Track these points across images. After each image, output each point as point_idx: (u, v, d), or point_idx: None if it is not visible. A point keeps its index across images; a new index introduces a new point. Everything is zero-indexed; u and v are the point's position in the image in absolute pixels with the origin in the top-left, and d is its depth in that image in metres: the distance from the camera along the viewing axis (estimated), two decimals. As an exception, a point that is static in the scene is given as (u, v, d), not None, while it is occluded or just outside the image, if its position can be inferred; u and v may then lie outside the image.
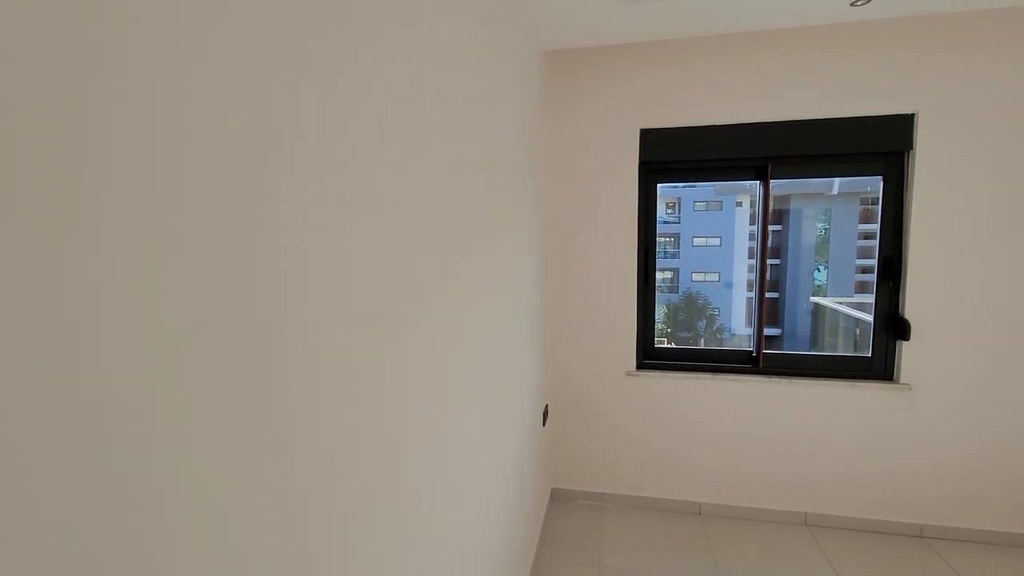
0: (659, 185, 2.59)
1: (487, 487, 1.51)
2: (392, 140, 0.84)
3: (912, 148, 2.25)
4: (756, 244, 2.50)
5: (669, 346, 3.07)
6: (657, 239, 2.57)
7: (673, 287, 23.69)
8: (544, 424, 2.55)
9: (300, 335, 0.59)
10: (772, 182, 2.43)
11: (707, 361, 2.64)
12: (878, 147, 2.28)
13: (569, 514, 2.67)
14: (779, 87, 2.33)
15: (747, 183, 2.49)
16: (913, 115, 2.24)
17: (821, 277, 19.97)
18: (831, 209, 19.83)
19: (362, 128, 0.74)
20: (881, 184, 2.36)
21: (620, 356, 2.64)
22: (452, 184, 1.13)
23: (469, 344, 1.30)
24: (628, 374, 2.63)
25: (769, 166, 2.40)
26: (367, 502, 0.76)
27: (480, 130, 1.36)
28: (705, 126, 2.42)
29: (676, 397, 2.61)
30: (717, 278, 22.48)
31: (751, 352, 2.57)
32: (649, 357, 2.67)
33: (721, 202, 21.90)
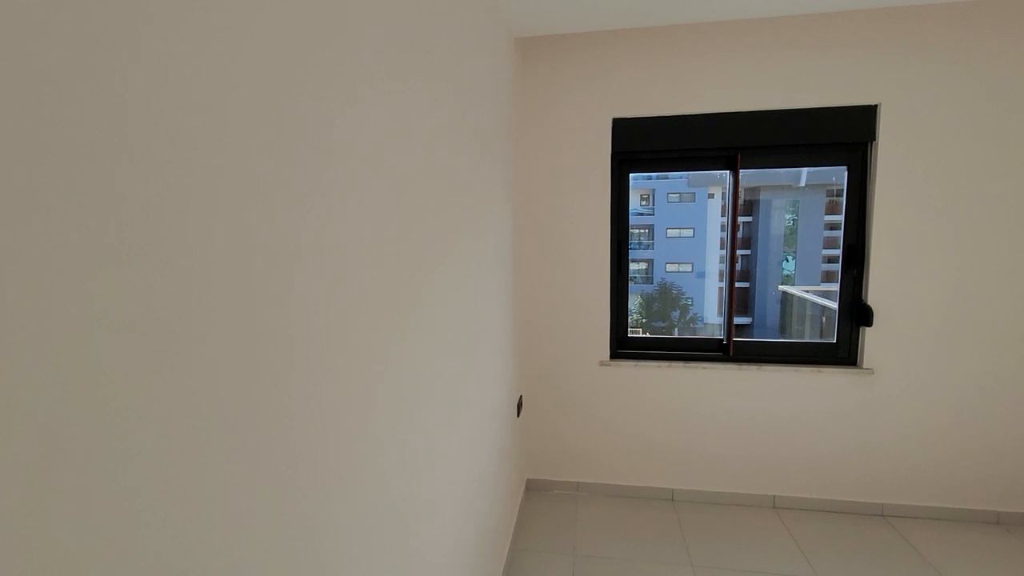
0: (632, 176, 2.59)
1: (457, 480, 1.49)
2: (366, 129, 0.81)
3: (875, 139, 2.31)
4: (726, 234, 2.54)
5: (642, 335, 3.10)
6: (631, 230, 2.58)
7: (647, 278, 24.04)
8: (518, 415, 2.55)
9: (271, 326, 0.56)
10: (741, 172, 2.45)
11: (679, 350, 2.67)
12: (843, 138, 2.33)
13: (545, 504, 2.68)
14: (748, 78, 2.35)
15: (717, 173, 2.52)
16: (876, 107, 2.29)
17: (790, 267, 20.54)
18: (799, 201, 20.37)
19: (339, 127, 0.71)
20: (846, 174, 2.41)
21: (594, 346, 2.65)
22: (420, 167, 1.09)
23: (439, 339, 1.28)
24: (602, 364, 2.65)
25: (739, 156, 2.43)
26: (323, 501, 0.74)
27: (451, 115, 1.33)
28: (676, 116, 2.43)
29: (649, 386, 2.64)
30: (691, 268, 22.89)
31: (722, 340, 2.61)
32: (623, 347, 2.69)
33: (694, 194, 22.26)
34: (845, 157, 2.39)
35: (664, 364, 2.60)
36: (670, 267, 23.80)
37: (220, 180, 0.52)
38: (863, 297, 2.42)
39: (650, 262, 23.83)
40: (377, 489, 0.92)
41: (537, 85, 2.53)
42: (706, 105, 2.39)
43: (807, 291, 4.35)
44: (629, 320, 2.71)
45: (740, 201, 2.49)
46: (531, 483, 2.80)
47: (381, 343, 0.92)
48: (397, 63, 0.98)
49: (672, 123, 2.44)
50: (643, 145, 2.49)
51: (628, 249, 2.64)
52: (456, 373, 1.45)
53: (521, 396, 2.63)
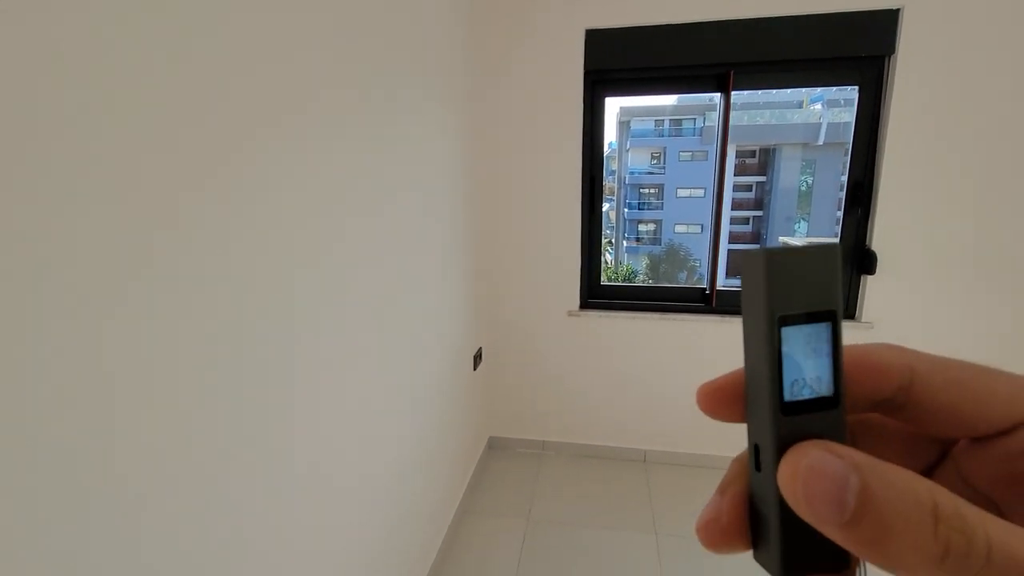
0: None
1: (382, 432, 1.26)
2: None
3: (894, 51, 1.94)
4: (715, 166, 2.21)
5: (617, 284, 2.83)
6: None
7: (656, 239, 23.53)
8: (475, 368, 2.32)
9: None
10: (739, 99, 2.11)
11: (657, 300, 2.40)
12: (856, 51, 1.97)
13: (505, 463, 2.49)
14: (746, -22, 1.98)
15: (710, 96, 2.17)
16: (898, 11, 1.91)
17: (802, 229, 19.93)
18: (816, 160, 19.54)
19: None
20: (856, 97, 2.06)
21: (562, 295, 2.39)
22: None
23: (357, 282, 1.02)
24: (571, 314, 2.39)
25: (731, 74, 2.08)
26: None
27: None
28: (659, 25, 2.07)
29: (622, 338, 2.39)
30: (700, 230, 22.29)
31: (704, 290, 2.33)
32: (594, 296, 2.42)
33: (707, 152, 21.40)
34: (857, 75, 2.03)
35: (639, 315, 2.34)
36: (679, 228, 23.28)
37: None
38: (867, 242, 2.12)
39: (659, 223, 23.27)
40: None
41: (500, -9, 2.17)
42: (693, 10, 2.03)
43: (809, 240, 4.02)
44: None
45: (729, 127, 2.16)
46: (493, 441, 2.61)
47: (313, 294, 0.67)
48: None
49: (654, 34, 2.08)
50: (621, 62, 2.14)
51: (602, 187, 2.33)
52: (367, 339, 1.19)
53: (480, 348, 2.40)
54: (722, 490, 0.18)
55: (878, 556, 0.13)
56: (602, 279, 2.44)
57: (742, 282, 0.17)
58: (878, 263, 2.08)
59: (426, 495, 1.73)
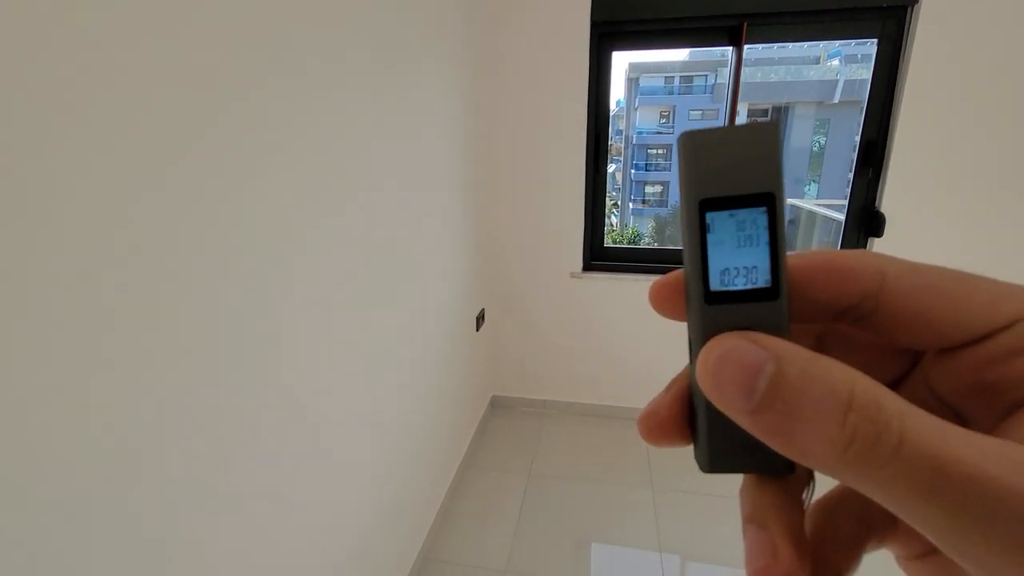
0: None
1: (385, 392, 1.29)
2: None
3: (917, 1, 1.85)
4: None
5: (622, 246, 2.81)
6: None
7: (662, 201, 23.19)
8: (478, 329, 2.34)
9: None
10: (752, 55, 2.03)
11: (661, 262, 2.39)
12: (877, 0, 1.88)
13: (508, 421, 2.55)
14: (764, -80, 1.86)
15: (723, 51, 2.09)
16: (924, -43, 1.81)
17: (812, 192, 19.57)
18: (830, 119, 18.97)
19: None
20: (874, 51, 1.98)
21: (565, 256, 2.38)
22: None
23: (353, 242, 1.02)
24: (573, 276, 2.39)
25: (744, 26, 1.99)
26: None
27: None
28: (670, -27, 1.97)
29: (625, 300, 2.39)
30: (708, 192, 21.91)
31: (708, 252, 2.31)
32: (597, 258, 2.41)
33: (717, 110, 20.80)
34: (876, 27, 1.94)
35: (643, 277, 2.34)
36: (687, 190, 22.88)
37: None
38: (876, 204, 2.08)
39: (666, 185, 22.88)
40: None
41: (503, -65, 2.06)
42: (708, -43, 1.93)
43: (818, 204, 3.96)
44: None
45: (740, 83, 2.08)
46: (496, 400, 2.66)
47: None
48: None
49: (665, -18, 1.98)
50: (630, 13, 2.05)
51: (607, 146, 2.28)
52: (378, 293, 1.19)
53: (483, 309, 2.41)
54: (668, 387, 0.18)
55: (784, 444, 0.13)
56: (606, 242, 2.42)
57: (678, 165, 0.16)
58: (886, 225, 2.05)
59: (430, 448, 1.78)
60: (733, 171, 0.15)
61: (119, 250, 0.61)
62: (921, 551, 0.16)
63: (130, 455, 0.64)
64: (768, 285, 0.15)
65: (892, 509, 0.12)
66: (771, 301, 0.15)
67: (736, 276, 0.15)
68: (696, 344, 0.15)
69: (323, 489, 1.09)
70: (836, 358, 0.13)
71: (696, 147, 0.15)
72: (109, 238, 0.60)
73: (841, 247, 2.18)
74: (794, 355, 0.13)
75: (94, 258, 0.58)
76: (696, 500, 1.97)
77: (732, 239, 0.15)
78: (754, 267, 0.15)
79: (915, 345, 0.16)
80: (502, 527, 1.87)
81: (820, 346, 0.18)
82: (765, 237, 0.15)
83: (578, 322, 2.47)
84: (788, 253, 0.15)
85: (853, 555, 0.17)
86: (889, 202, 2.04)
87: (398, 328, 1.46)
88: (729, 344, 0.14)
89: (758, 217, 0.15)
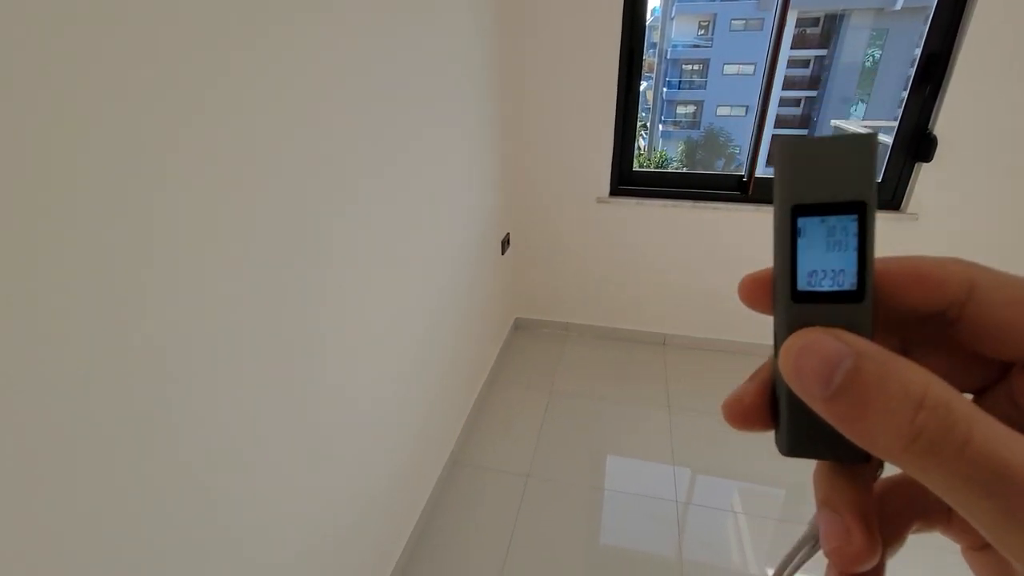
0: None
1: (410, 312, 1.35)
2: None
3: None
4: (770, 36, 1.98)
5: (648, 170, 2.72)
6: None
7: (694, 122, 21.99)
8: (503, 253, 2.37)
9: None
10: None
11: (691, 187, 2.33)
12: None
13: (531, 342, 2.64)
14: None
15: (772, -49, 1.88)
16: None
17: (858, 113, 18.23)
18: (888, 30, 17.23)
19: None
20: (951, -52, 1.76)
21: (592, 180, 2.33)
22: None
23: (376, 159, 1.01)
24: (600, 201, 2.35)
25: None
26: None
27: None
28: None
29: (651, 226, 2.37)
30: (744, 112, 20.62)
31: (742, 177, 2.24)
32: (625, 182, 2.36)
33: (762, 20, 19.02)
34: (957, -82, 1.72)
35: (670, 203, 2.29)
36: (721, 110, 21.57)
37: None
38: (929, 125, 1.95)
39: (699, 105, 21.57)
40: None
41: None
42: None
43: (865, 125, 3.71)
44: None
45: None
46: (520, 322, 2.74)
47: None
48: None
49: None
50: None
51: (641, 62, 2.15)
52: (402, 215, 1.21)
53: (508, 233, 2.42)
54: (752, 376, 0.19)
55: (855, 431, 0.14)
56: (634, 166, 2.35)
57: (774, 171, 0.17)
58: (937, 149, 1.93)
59: (457, 365, 1.87)
60: (827, 179, 0.16)
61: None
62: (979, 543, 0.17)
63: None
64: (854, 288, 0.16)
65: (948, 501, 0.13)
66: (856, 303, 0.16)
67: (823, 278, 0.16)
68: (781, 337, 0.16)
69: (359, 399, 1.18)
70: (918, 362, 0.14)
71: (792, 155, 0.16)
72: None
73: (884, 175, 2.08)
74: (874, 353, 0.14)
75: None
76: (711, 421, 2.06)
77: (822, 243, 0.16)
78: (841, 270, 0.16)
79: (1002, 356, 0.16)
80: (525, 437, 2.00)
81: (904, 349, 0.18)
82: (854, 243, 0.16)
83: (602, 247, 2.47)
84: (876, 258, 0.16)
85: (899, 532, 0.18)
86: (944, 124, 1.91)
87: (427, 250, 1.49)
88: (812, 336, 0.15)
89: (848, 224, 0.16)
